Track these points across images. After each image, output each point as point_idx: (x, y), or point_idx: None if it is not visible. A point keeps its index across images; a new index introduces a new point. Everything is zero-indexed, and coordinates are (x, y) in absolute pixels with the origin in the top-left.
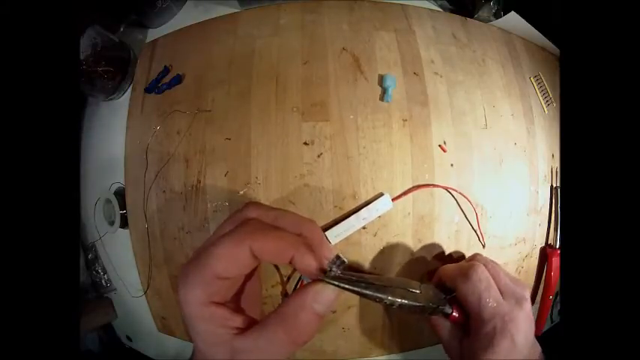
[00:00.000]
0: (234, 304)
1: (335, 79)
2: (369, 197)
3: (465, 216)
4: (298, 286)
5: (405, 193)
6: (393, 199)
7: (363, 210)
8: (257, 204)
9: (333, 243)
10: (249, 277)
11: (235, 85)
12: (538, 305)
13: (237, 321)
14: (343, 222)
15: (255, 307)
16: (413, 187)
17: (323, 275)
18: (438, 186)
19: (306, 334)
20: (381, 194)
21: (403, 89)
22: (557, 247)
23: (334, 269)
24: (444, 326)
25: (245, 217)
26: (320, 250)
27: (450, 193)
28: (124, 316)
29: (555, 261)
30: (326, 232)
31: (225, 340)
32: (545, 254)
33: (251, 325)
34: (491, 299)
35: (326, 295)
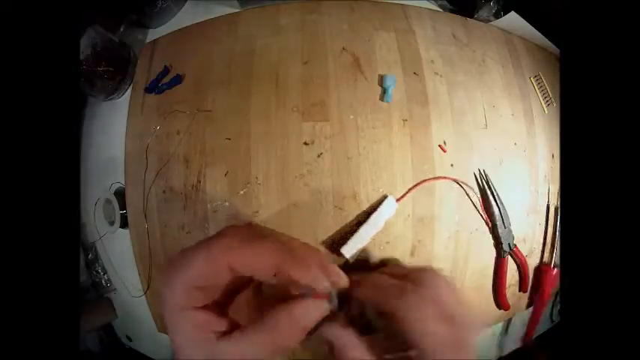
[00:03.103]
0: (218, 306)
1: (335, 79)
2: (369, 198)
3: (472, 202)
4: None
5: (409, 191)
6: (397, 200)
7: (371, 219)
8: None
9: (351, 259)
10: (244, 285)
11: (235, 85)
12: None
13: (219, 324)
14: (354, 236)
15: (243, 314)
16: (419, 182)
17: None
18: (445, 178)
19: (288, 345)
20: (385, 197)
21: (403, 89)
22: (552, 266)
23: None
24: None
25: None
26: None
27: (459, 183)
28: (124, 316)
29: (550, 278)
30: (341, 250)
31: (204, 343)
32: (539, 270)
33: (233, 328)
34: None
35: (315, 312)
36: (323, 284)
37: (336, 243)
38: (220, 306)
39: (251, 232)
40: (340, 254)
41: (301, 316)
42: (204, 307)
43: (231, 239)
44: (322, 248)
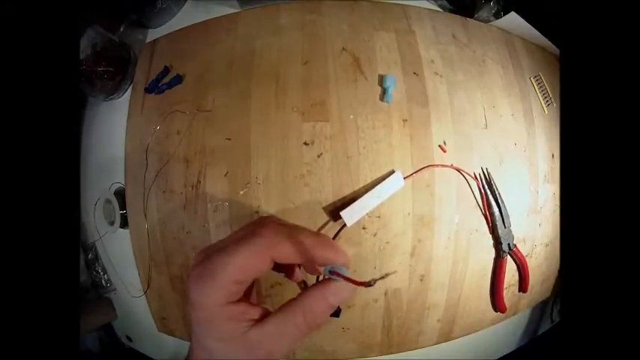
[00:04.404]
0: (247, 297)
1: (335, 79)
2: None
3: (475, 197)
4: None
5: (417, 172)
6: (405, 178)
7: (375, 188)
8: (271, 217)
9: (349, 224)
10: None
11: (235, 85)
12: None
13: (253, 313)
14: (357, 201)
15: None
16: (426, 166)
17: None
18: (450, 167)
19: (320, 321)
20: (392, 171)
21: (403, 89)
22: None
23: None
24: None
25: (260, 222)
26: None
27: (463, 174)
28: (124, 316)
29: None
30: (340, 213)
31: (240, 336)
32: None
33: (265, 315)
34: None
35: (343, 292)
36: (348, 263)
37: (337, 208)
38: (248, 296)
39: (283, 223)
40: (339, 217)
41: (333, 295)
42: (238, 301)
43: (273, 232)
44: (323, 213)
